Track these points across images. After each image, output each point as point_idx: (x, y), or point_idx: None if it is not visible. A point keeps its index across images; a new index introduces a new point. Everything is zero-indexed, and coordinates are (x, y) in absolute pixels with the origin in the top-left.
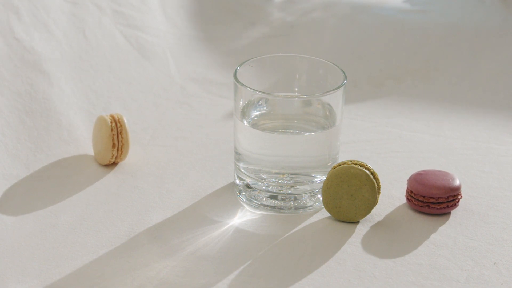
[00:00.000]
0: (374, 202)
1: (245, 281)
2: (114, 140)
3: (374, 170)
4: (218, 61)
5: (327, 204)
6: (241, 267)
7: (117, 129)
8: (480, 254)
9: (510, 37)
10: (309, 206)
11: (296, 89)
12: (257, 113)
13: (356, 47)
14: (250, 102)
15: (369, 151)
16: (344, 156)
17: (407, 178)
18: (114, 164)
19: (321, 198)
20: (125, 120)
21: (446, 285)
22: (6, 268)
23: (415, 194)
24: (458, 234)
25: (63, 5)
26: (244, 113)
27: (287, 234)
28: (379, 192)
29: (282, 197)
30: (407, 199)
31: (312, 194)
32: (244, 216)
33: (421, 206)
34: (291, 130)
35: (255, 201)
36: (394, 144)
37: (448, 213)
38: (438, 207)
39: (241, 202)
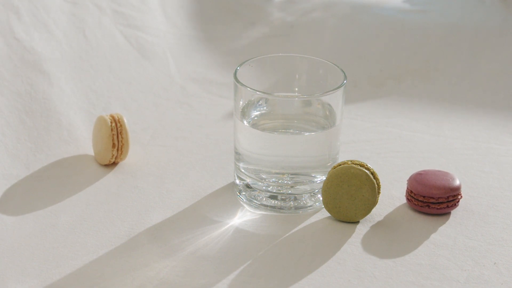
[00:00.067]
0: (374, 202)
1: (245, 281)
2: (114, 140)
3: (374, 170)
4: (218, 61)
5: (327, 204)
6: (241, 267)
7: (117, 129)
8: (480, 254)
9: (510, 37)
10: (309, 206)
11: (296, 89)
12: (257, 113)
13: (356, 47)
14: (250, 102)
15: (369, 151)
16: (344, 156)
17: (407, 178)
18: (114, 164)
19: (321, 198)
20: (125, 120)
21: (446, 285)
22: (6, 268)
23: (415, 194)
24: (458, 234)
25: (63, 5)
26: (244, 113)
27: (287, 234)
28: (379, 192)
29: (282, 197)
30: (407, 199)
31: (312, 194)
32: (244, 216)
33: (421, 206)
34: (291, 130)
35: (255, 201)
36: (394, 144)
37: (448, 213)
38: (438, 207)
39: (241, 202)
